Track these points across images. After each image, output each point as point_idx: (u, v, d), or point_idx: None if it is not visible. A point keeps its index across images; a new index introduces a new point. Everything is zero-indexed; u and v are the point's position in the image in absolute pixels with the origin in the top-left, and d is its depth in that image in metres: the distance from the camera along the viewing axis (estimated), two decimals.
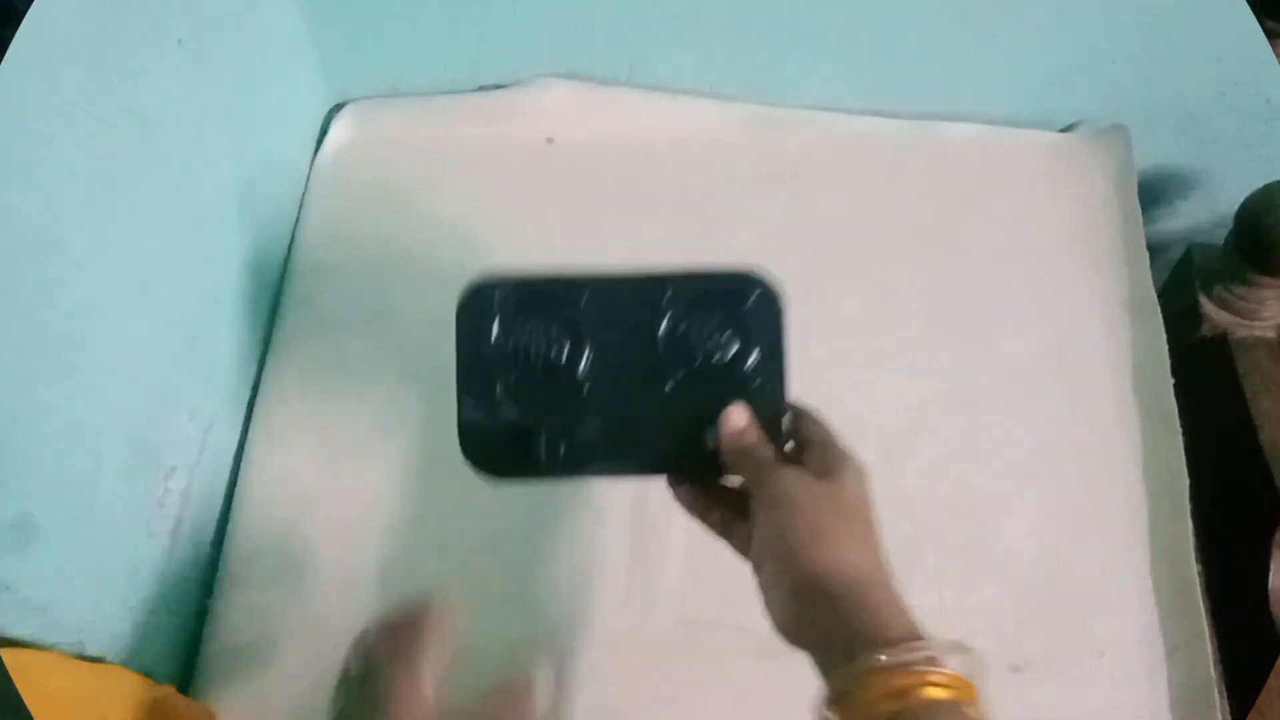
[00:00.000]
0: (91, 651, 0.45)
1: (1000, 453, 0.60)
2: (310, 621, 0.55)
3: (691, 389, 0.45)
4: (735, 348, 0.45)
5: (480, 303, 0.45)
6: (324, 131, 0.71)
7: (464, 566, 0.57)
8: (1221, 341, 0.69)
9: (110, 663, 0.46)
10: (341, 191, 0.70)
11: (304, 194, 0.69)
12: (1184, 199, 0.78)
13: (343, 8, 0.66)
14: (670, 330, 0.45)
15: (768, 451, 0.43)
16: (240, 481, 0.59)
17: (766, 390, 0.45)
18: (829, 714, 0.37)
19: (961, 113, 0.72)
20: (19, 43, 0.38)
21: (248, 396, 0.62)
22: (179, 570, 0.53)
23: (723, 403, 0.44)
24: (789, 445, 0.45)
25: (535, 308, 0.45)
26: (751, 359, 0.45)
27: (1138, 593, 0.56)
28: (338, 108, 0.72)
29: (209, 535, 0.57)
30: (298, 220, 0.68)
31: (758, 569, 0.41)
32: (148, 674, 0.49)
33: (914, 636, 0.37)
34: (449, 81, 0.71)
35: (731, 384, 0.45)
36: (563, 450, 0.45)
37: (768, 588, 0.41)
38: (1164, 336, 0.63)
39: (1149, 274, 0.66)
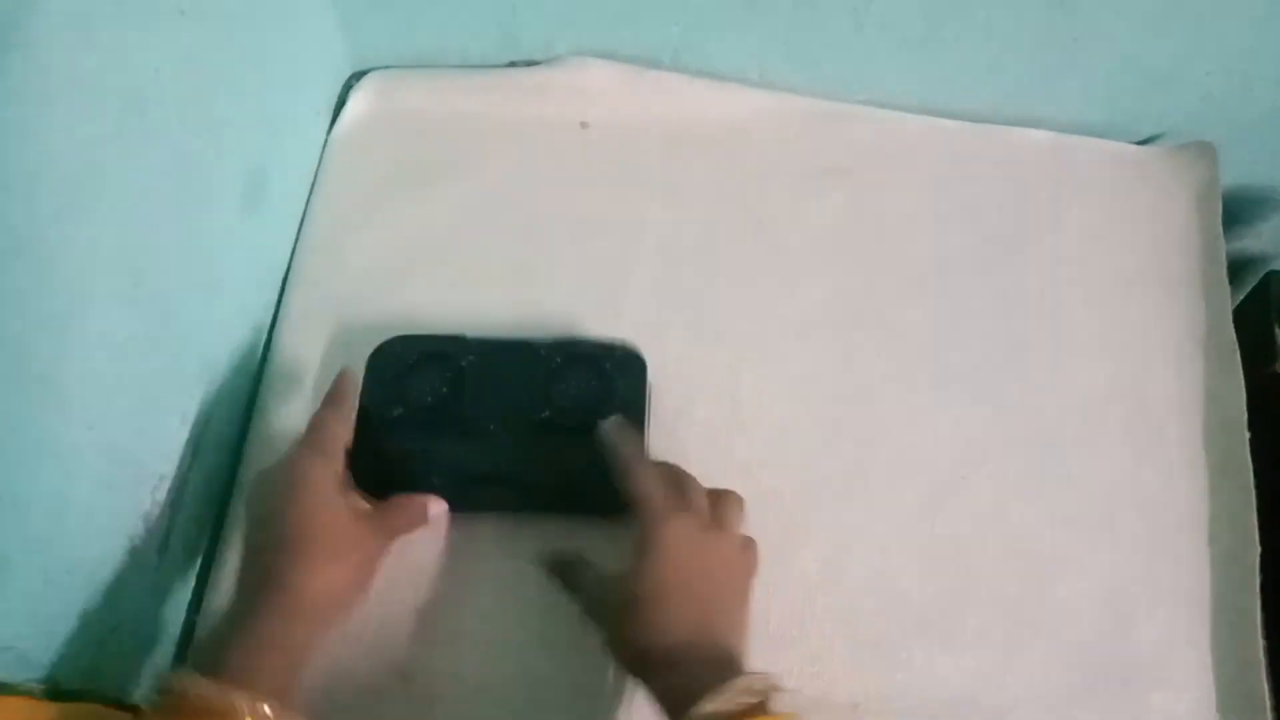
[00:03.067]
0: (67, 687, 0.41)
1: (1057, 498, 0.55)
2: None
3: (560, 436, 0.51)
4: (601, 402, 0.52)
5: (386, 357, 0.54)
6: (341, 103, 0.66)
7: (471, 595, 0.53)
8: None
9: (87, 698, 0.42)
10: (358, 169, 0.65)
11: (317, 172, 0.64)
12: (1264, 220, 0.72)
13: None
14: (544, 386, 0.52)
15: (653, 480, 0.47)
16: (236, 489, 0.55)
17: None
18: None
19: (1033, 118, 0.66)
20: None
21: (247, 393, 0.58)
22: (165, 588, 0.50)
23: (588, 449, 0.49)
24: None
25: (431, 362, 0.53)
26: (616, 408, 0.51)
27: (1197, 667, 0.51)
28: (357, 77, 0.67)
29: (200, 546, 0.53)
30: (309, 200, 0.63)
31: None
32: (127, 700, 0.46)
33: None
34: (478, 53, 0.66)
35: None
36: (445, 482, 0.51)
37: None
38: (1241, 382, 0.58)
39: (1229, 309, 0.60)
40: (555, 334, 0.55)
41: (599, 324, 0.58)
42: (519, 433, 0.51)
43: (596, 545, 0.49)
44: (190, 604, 0.52)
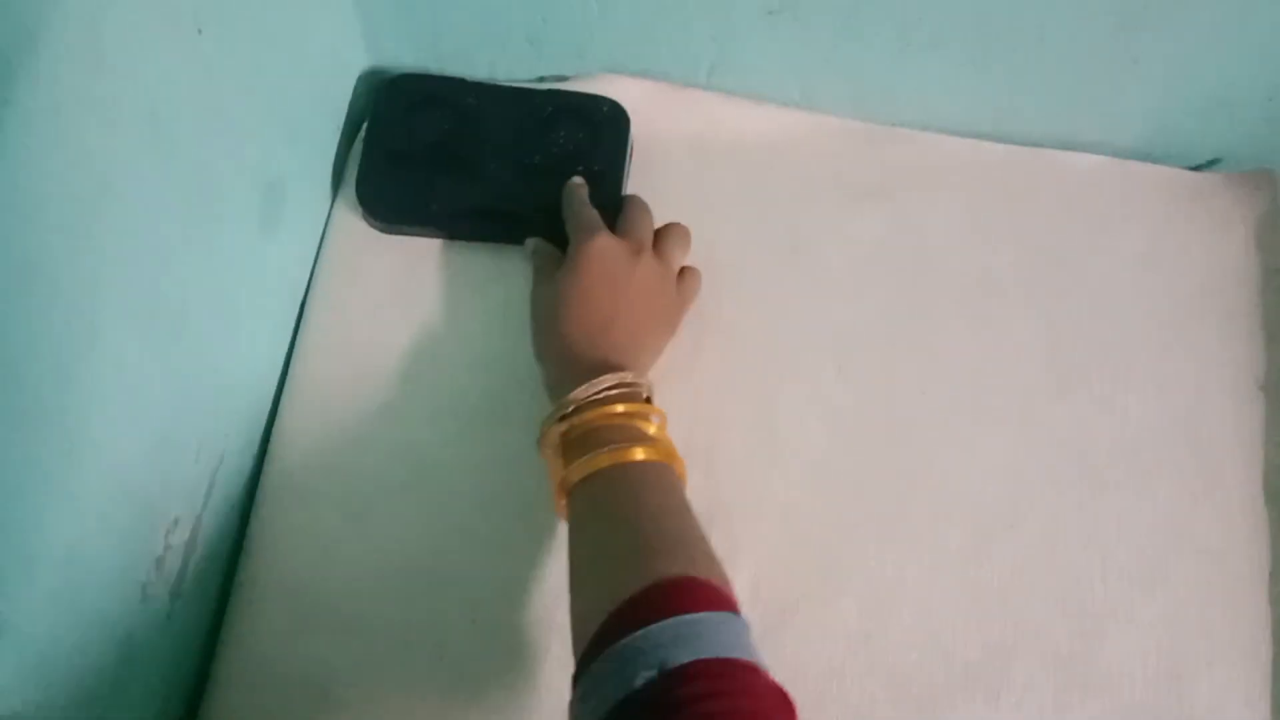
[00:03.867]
0: None
1: (1110, 544, 0.53)
2: (321, 689, 0.49)
3: (549, 177, 0.57)
4: (588, 147, 0.58)
5: (393, 93, 0.59)
6: (363, 117, 0.63)
7: (499, 635, 0.51)
8: None
9: None
10: None
11: (339, 185, 0.61)
12: None
13: None
14: (537, 131, 0.58)
15: (590, 213, 0.54)
16: (253, 522, 0.53)
17: (608, 179, 0.58)
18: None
19: (1083, 141, 0.63)
20: None
21: (265, 420, 0.55)
22: (178, 633, 0.47)
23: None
24: None
25: (436, 101, 0.58)
26: (600, 155, 0.58)
27: None
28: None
29: (215, 586, 0.51)
30: (330, 213, 0.61)
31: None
32: None
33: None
34: (505, 68, 0.63)
35: (582, 172, 0.57)
36: (443, 210, 0.57)
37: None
38: None
39: None
40: (549, 85, 0.60)
41: None
42: (512, 171, 0.57)
43: None
44: (203, 648, 0.50)
